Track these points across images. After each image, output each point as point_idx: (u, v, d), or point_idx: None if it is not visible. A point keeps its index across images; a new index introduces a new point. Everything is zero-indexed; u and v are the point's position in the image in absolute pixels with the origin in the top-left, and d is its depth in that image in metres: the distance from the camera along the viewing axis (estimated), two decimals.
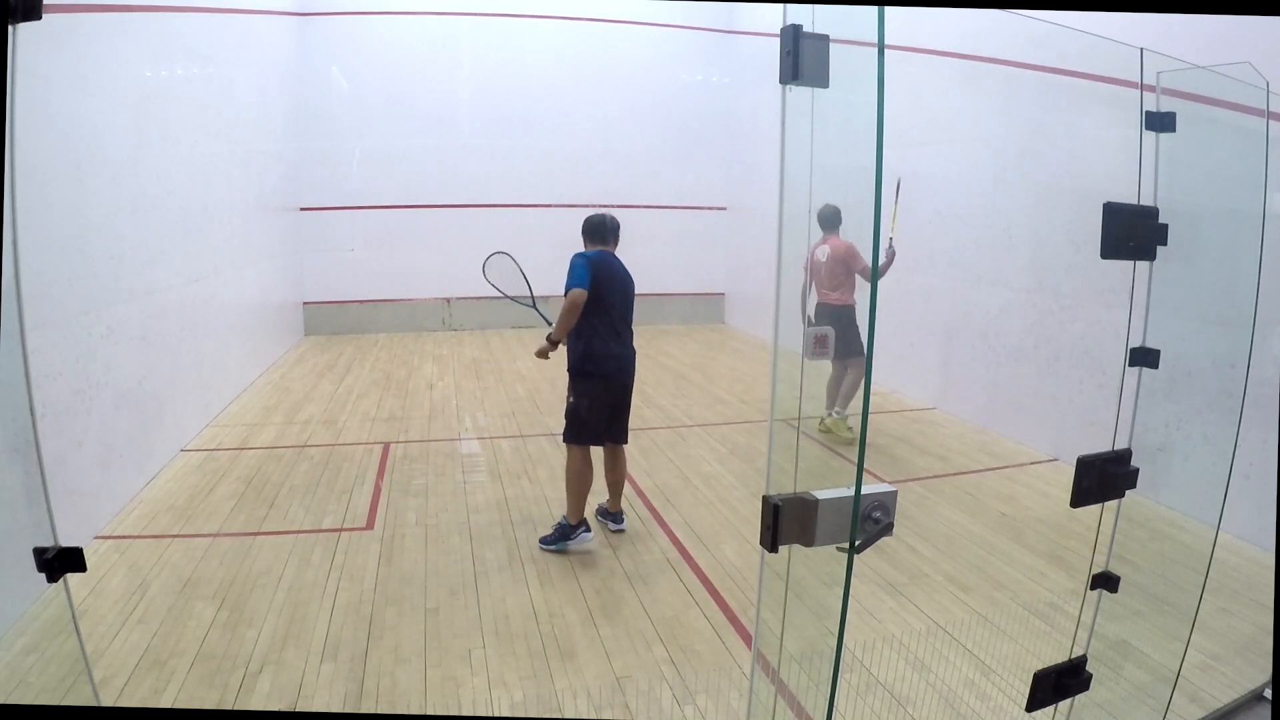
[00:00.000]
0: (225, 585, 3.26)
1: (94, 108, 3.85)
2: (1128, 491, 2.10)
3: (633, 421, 3.77)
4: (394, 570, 3.43)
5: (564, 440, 3.70)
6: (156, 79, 4.86)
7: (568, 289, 3.51)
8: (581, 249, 3.68)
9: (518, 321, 9.06)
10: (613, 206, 4.36)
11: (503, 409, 6.22)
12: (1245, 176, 2.22)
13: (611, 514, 3.89)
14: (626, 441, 3.82)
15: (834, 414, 5.12)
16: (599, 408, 3.64)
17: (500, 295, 4.22)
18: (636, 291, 3.71)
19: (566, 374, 3.69)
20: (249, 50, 7.12)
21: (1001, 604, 3.21)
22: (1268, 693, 2.57)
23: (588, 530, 3.65)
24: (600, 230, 3.71)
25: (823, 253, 5.00)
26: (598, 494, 3.88)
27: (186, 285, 5.24)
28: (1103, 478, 2.03)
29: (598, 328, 3.58)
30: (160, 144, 4.83)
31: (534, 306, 4.17)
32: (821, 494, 1.45)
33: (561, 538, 3.63)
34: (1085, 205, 4.51)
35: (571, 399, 3.67)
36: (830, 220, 4.96)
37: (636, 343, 3.72)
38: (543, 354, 3.61)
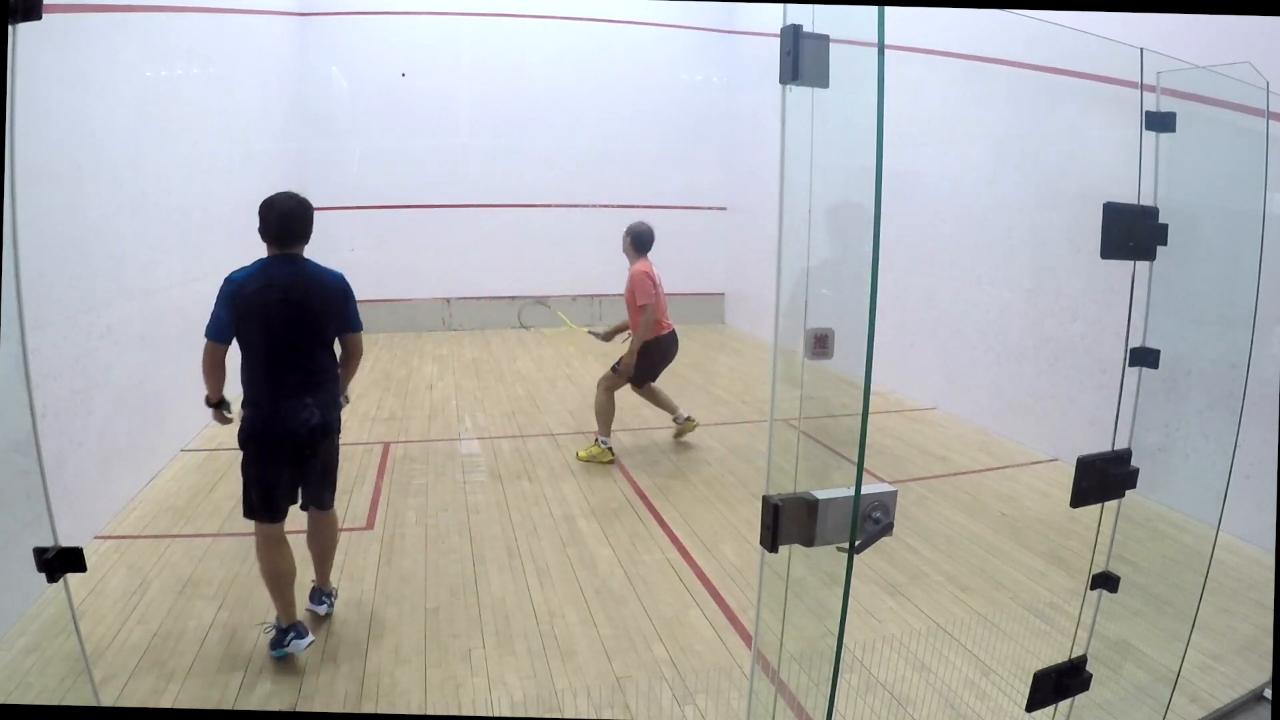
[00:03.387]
0: (225, 585, 3.26)
1: (94, 108, 3.84)
2: (1128, 491, 2.10)
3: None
4: (394, 570, 3.43)
5: (245, 515, 2.81)
6: (156, 79, 4.85)
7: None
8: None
9: (518, 322, 9.08)
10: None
11: (503, 409, 6.21)
12: (1245, 176, 2.22)
13: (319, 591, 3.05)
14: (331, 506, 2.96)
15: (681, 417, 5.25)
16: (274, 471, 2.76)
17: None
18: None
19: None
20: (249, 50, 7.11)
21: (1001, 604, 3.21)
22: (1268, 693, 2.57)
23: (300, 635, 2.72)
24: (268, 224, 2.66)
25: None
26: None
27: (186, 285, 5.23)
28: (1103, 478, 2.04)
29: (255, 374, 2.72)
30: (160, 144, 4.82)
31: None
32: (821, 494, 1.45)
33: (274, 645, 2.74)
34: (1085, 205, 4.50)
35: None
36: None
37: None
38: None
